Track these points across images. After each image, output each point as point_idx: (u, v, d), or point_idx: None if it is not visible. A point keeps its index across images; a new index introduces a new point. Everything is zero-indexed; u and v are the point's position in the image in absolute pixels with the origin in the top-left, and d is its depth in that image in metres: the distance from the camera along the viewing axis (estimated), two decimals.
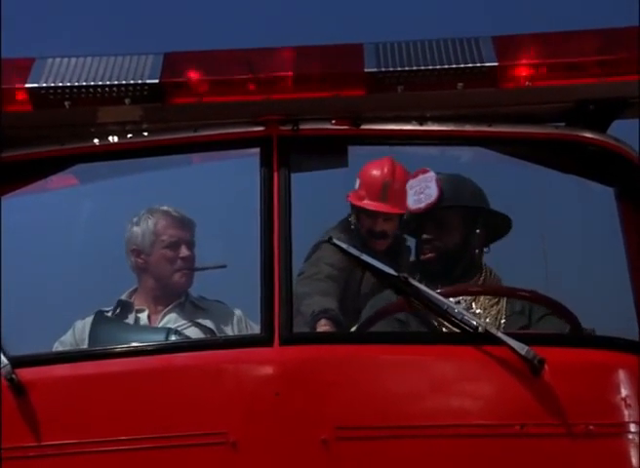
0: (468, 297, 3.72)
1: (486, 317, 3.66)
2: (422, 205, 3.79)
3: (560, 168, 3.56)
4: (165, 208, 4.05)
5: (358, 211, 4.31)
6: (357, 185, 4.33)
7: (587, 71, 3.38)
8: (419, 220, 3.86)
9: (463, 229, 3.85)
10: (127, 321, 3.95)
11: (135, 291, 4.07)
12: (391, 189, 4.23)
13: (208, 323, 3.93)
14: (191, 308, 4.01)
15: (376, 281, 3.92)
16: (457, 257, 3.82)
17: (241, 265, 3.83)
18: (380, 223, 4.26)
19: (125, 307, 4.00)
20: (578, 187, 3.68)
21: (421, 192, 3.80)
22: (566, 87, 3.42)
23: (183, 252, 3.99)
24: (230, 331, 3.93)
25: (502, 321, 3.70)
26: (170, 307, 4.00)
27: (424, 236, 3.81)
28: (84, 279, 4.19)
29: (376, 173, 4.27)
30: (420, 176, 3.85)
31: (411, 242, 4.28)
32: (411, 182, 3.88)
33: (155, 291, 4.02)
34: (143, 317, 3.98)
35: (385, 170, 4.27)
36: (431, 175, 3.82)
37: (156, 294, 4.02)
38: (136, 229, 4.03)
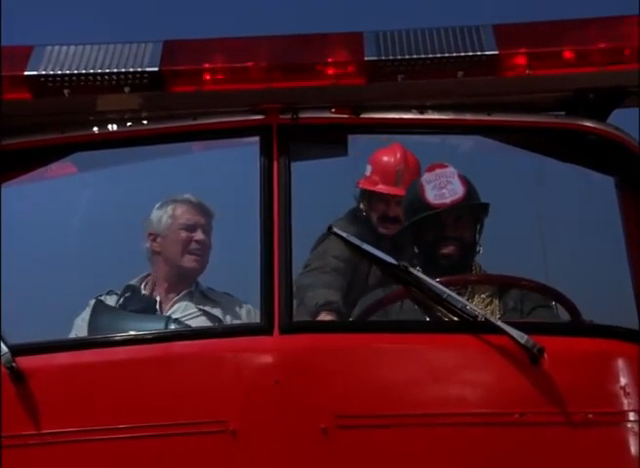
0: (462, 297, 3.70)
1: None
2: (448, 200, 3.77)
3: (560, 157, 3.56)
4: (186, 196, 4.10)
5: (370, 196, 4.33)
6: (368, 172, 4.36)
7: (587, 60, 3.37)
8: (439, 215, 3.81)
9: (476, 226, 3.86)
10: (134, 306, 3.96)
11: (146, 277, 4.10)
12: (404, 174, 4.28)
13: (217, 312, 3.96)
14: (201, 297, 4.04)
15: (382, 272, 3.92)
16: (469, 254, 3.83)
17: (241, 254, 3.83)
18: (394, 208, 4.29)
19: (134, 292, 4.01)
20: (577, 176, 3.68)
21: (443, 187, 3.78)
22: (566, 76, 3.41)
23: (199, 235, 4.02)
24: (239, 321, 3.94)
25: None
26: (180, 295, 4.03)
27: (445, 231, 3.80)
28: (83, 267, 4.20)
29: (389, 159, 4.33)
30: (438, 171, 3.83)
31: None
32: (427, 176, 3.84)
33: (168, 276, 4.05)
34: (153, 303, 4.00)
35: (398, 156, 4.33)
36: (452, 170, 3.81)
37: (168, 281, 4.04)
38: (155, 214, 4.08)
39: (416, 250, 3.88)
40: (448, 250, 3.77)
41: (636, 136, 3.53)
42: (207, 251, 4.06)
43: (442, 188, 3.79)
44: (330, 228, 3.56)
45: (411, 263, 3.39)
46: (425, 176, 3.85)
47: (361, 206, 4.34)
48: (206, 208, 4.08)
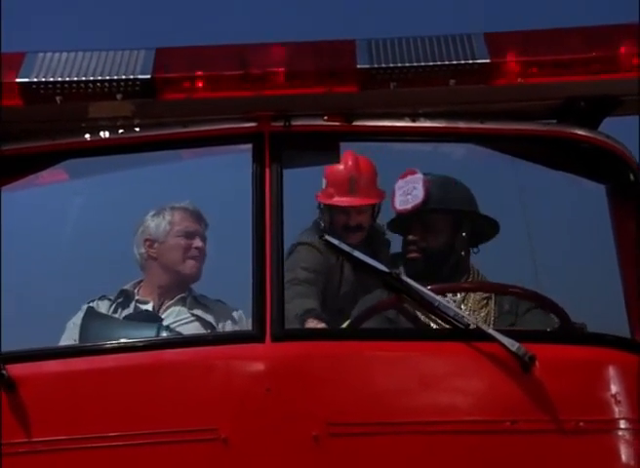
0: (457, 299, 3.72)
1: (475, 319, 3.66)
2: (409, 206, 3.84)
3: (551, 165, 3.57)
4: (183, 203, 4.11)
5: (330, 209, 4.29)
6: (323, 185, 4.31)
7: (579, 68, 3.38)
8: (405, 220, 3.91)
9: (449, 231, 3.89)
10: (128, 311, 3.97)
11: (139, 282, 4.10)
12: (358, 181, 4.22)
13: (210, 318, 3.96)
14: (194, 303, 4.04)
15: (355, 281, 3.93)
16: (441, 258, 3.85)
17: (233, 261, 3.83)
18: (355, 217, 4.25)
19: (127, 297, 4.02)
20: (569, 184, 3.69)
21: (409, 193, 3.85)
22: (557, 84, 3.42)
23: (197, 242, 4.04)
24: (231, 328, 3.94)
25: (492, 323, 3.70)
26: (173, 301, 4.03)
27: (410, 236, 3.86)
28: (75, 274, 4.19)
29: (340, 168, 4.24)
30: (409, 177, 3.90)
31: (390, 236, 4.31)
32: (399, 183, 3.93)
33: (163, 282, 4.05)
34: (147, 308, 4.00)
35: (350, 163, 4.25)
36: (419, 176, 3.86)
37: (163, 286, 4.05)
38: (151, 221, 4.10)
39: (388, 255, 3.93)
40: (412, 255, 3.83)
41: (635, 144, 3.54)
42: (204, 258, 4.07)
43: (408, 194, 3.85)
44: (321, 236, 3.58)
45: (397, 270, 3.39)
46: (398, 183, 3.92)
47: (324, 218, 4.31)
48: (202, 216, 4.09)
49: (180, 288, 4.06)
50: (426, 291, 3.29)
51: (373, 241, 4.25)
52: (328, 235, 3.86)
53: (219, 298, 4.09)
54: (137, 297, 4.03)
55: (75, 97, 3.38)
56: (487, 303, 3.78)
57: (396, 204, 3.89)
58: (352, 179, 4.21)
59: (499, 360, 3.12)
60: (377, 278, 3.40)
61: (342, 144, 3.59)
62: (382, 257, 3.97)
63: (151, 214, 4.12)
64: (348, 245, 3.92)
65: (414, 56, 3.36)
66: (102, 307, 4.00)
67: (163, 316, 3.98)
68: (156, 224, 4.08)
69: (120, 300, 4.01)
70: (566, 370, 3.15)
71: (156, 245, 4.06)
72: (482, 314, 3.74)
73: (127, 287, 4.07)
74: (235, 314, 4.01)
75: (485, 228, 3.95)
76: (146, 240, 4.08)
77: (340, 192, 4.23)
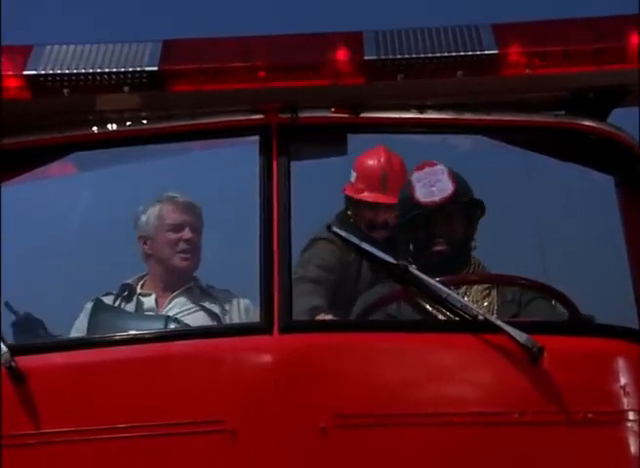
0: (460, 290, 3.71)
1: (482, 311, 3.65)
2: (437, 198, 3.77)
3: (560, 156, 3.56)
4: (171, 194, 4.10)
5: (357, 203, 4.26)
6: (353, 178, 4.28)
7: (587, 59, 3.37)
8: (428, 213, 3.82)
9: (467, 222, 3.86)
10: (131, 305, 3.97)
11: (143, 277, 4.10)
12: (390, 178, 4.18)
13: (215, 309, 3.96)
14: (199, 294, 4.04)
15: (372, 276, 3.92)
16: (462, 250, 3.83)
17: (240, 253, 3.83)
18: (382, 214, 4.21)
19: (130, 291, 4.02)
20: (577, 175, 3.68)
21: (432, 185, 3.78)
22: (565, 75, 3.41)
23: (186, 234, 4.02)
24: (237, 318, 3.94)
25: (495, 312, 3.69)
26: (178, 292, 4.03)
27: (436, 228, 3.80)
28: (81, 268, 4.20)
29: (372, 163, 4.20)
30: (428, 169, 3.83)
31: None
32: (417, 175, 3.85)
33: (163, 277, 4.06)
34: (150, 301, 4.00)
35: (382, 159, 4.21)
36: (441, 168, 3.81)
37: (164, 281, 4.05)
38: (143, 217, 4.09)
39: (410, 248, 3.89)
40: (439, 247, 3.78)
41: (636, 135, 3.53)
42: (197, 248, 4.06)
43: (431, 186, 3.79)
44: (329, 227, 3.57)
45: (404, 261, 3.38)
46: (415, 175, 3.86)
47: (348, 212, 4.29)
48: (192, 205, 4.07)
49: (182, 280, 4.05)
50: (435, 282, 3.29)
51: (396, 237, 4.20)
52: (351, 229, 3.85)
53: (226, 288, 4.08)
54: (139, 291, 4.03)
55: (83, 89, 3.38)
56: (489, 293, 3.77)
57: (419, 196, 3.79)
58: (384, 177, 4.17)
59: (507, 351, 3.11)
60: (386, 270, 3.39)
61: (350, 136, 3.59)
62: (404, 253, 3.92)
63: (141, 208, 4.10)
64: (373, 242, 3.92)
65: (421, 47, 3.35)
66: (107, 302, 4.00)
67: (168, 307, 3.97)
68: (146, 220, 4.07)
69: (124, 294, 4.00)
70: (575, 361, 3.15)
71: (149, 241, 4.06)
72: (485, 304, 3.73)
73: (129, 280, 4.07)
74: (242, 304, 4.00)
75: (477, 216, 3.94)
76: (140, 237, 4.08)
77: (371, 188, 4.19)
